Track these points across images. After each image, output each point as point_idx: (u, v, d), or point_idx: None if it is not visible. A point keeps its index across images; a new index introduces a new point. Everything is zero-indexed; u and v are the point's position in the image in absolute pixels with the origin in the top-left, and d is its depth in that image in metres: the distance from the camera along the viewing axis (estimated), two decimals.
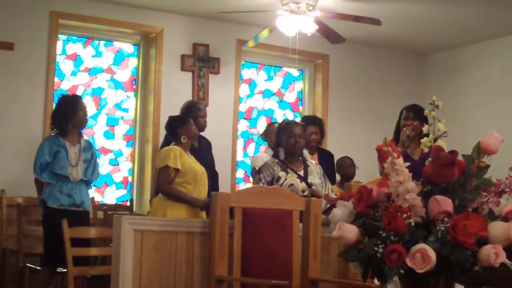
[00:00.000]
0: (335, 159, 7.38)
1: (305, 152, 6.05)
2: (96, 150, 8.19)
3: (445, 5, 7.81)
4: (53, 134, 6.25)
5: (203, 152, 6.60)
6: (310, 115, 8.44)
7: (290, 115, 9.33)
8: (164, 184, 5.90)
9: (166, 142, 6.40)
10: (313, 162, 5.81)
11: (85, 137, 6.57)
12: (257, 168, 6.64)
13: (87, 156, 6.24)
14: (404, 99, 7.42)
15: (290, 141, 5.57)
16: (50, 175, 6.09)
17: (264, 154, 7.01)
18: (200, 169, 5.99)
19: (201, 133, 6.98)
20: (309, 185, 5.51)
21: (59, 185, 6.08)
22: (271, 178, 5.50)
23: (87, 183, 6.31)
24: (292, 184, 5.43)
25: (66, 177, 6.08)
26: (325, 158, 6.63)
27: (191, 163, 5.95)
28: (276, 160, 5.62)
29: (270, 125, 7.26)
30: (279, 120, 8.60)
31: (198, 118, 6.87)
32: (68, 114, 6.17)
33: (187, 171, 5.88)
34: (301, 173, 5.57)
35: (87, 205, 6.26)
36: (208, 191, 6.06)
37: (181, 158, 5.87)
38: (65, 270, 5.98)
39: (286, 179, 5.48)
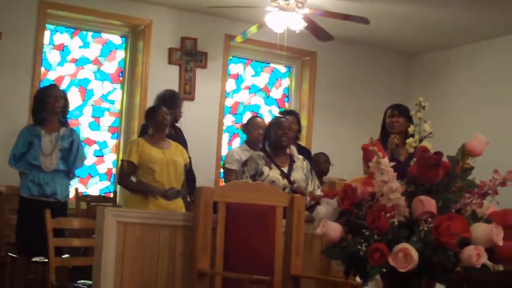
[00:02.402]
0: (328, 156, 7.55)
1: (293, 147, 6.08)
2: (81, 141, 8.20)
3: (433, 6, 7.84)
4: (31, 124, 6.32)
5: (178, 140, 6.62)
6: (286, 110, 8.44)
7: (276, 111, 9.32)
8: (121, 177, 6.16)
9: (140, 133, 6.61)
10: (300, 157, 5.81)
11: (69, 126, 6.57)
12: (226, 165, 6.73)
13: (63, 145, 6.25)
14: (390, 98, 7.44)
15: (278, 133, 5.59)
16: (25, 164, 6.17)
17: (236, 149, 7.06)
18: (165, 158, 6.03)
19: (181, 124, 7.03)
20: (291, 182, 5.52)
21: (32, 175, 6.15)
22: (254, 172, 5.52)
23: (67, 173, 6.32)
24: (273, 181, 5.43)
25: (39, 166, 6.11)
26: (303, 155, 6.65)
27: (151, 154, 5.99)
28: (262, 154, 5.63)
29: (251, 119, 7.29)
30: (263, 115, 8.66)
31: (177, 108, 6.88)
32: (40, 103, 6.27)
33: (144, 163, 5.97)
34: (285, 169, 5.58)
35: (61, 195, 6.25)
36: (188, 178, 6.35)
37: (138, 150, 5.98)
38: (42, 260, 6.04)
39: (268, 175, 5.49)
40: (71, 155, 6.29)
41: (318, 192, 5.55)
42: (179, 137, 6.90)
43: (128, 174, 6.04)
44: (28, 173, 6.14)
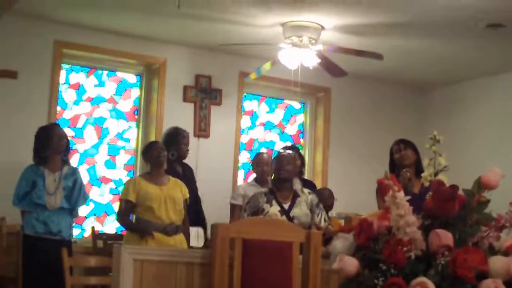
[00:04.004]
0: (332, 191, 7.55)
1: (296, 181, 6.08)
2: (97, 179, 8.25)
3: (446, 41, 7.86)
4: (33, 163, 6.35)
5: (186, 178, 6.65)
6: (287, 145, 8.46)
7: (278, 147, 9.30)
8: (118, 216, 6.24)
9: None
10: (306, 191, 5.80)
11: (71, 164, 6.65)
12: (231, 200, 6.80)
13: (67, 183, 6.30)
14: (404, 133, 7.44)
15: (276, 167, 5.64)
16: (29, 203, 6.22)
17: (243, 185, 7.12)
18: (162, 194, 6.07)
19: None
20: (290, 218, 5.51)
21: (37, 213, 6.19)
22: (255, 209, 5.55)
23: (71, 211, 6.36)
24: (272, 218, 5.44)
25: (43, 205, 6.15)
26: (307, 188, 6.67)
27: (148, 190, 6.05)
28: (265, 191, 5.67)
29: (256, 155, 7.33)
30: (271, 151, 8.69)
31: (181, 145, 6.95)
32: (43, 142, 6.32)
33: (142, 200, 6.04)
34: (287, 205, 5.60)
35: (66, 234, 6.28)
36: (191, 216, 6.47)
37: (136, 188, 6.06)
38: None
39: (268, 212, 5.50)
40: (73, 194, 6.34)
41: (323, 225, 5.57)
42: (186, 174, 6.94)
43: (125, 213, 6.13)
44: (32, 212, 6.18)
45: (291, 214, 5.55)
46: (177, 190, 6.19)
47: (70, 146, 6.58)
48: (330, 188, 7.89)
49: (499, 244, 2.72)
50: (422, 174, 2.92)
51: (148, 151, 6.26)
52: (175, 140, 6.93)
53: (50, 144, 6.29)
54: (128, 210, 6.11)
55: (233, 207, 6.87)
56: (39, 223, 6.15)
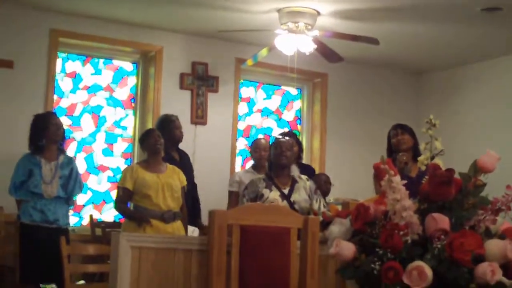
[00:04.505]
0: (329, 177, 7.58)
1: (294, 168, 6.08)
2: (95, 167, 8.25)
3: (443, 25, 7.85)
4: (29, 152, 6.34)
5: (183, 165, 6.66)
6: (285, 131, 8.45)
7: (275, 134, 9.30)
8: (116, 204, 6.24)
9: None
10: (303, 177, 5.80)
11: (67, 153, 6.67)
12: (228, 188, 6.81)
13: (64, 172, 6.32)
14: (401, 118, 7.44)
15: (276, 153, 5.63)
16: (25, 193, 6.22)
17: (239, 172, 7.14)
18: (160, 181, 6.07)
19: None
20: (291, 203, 5.52)
21: (34, 202, 6.20)
22: (254, 195, 5.53)
23: (67, 200, 6.36)
24: (272, 203, 5.44)
25: (40, 194, 6.15)
26: (307, 173, 6.66)
27: (145, 178, 6.05)
28: (263, 177, 5.66)
29: (254, 141, 7.33)
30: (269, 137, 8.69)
31: (173, 130, 6.97)
32: (40, 130, 6.31)
33: (139, 188, 6.05)
34: (286, 190, 5.58)
35: (63, 222, 6.31)
36: (188, 203, 6.49)
37: (133, 176, 6.07)
38: (48, 286, 6.06)
39: (268, 197, 5.50)
40: (70, 183, 6.34)
41: (322, 211, 5.57)
42: (183, 162, 6.94)
43: (123, 201, 6.14)
44: (29, 200, 6.18)
45: (291, 199, 5.55)
46: (175, 177, 6.19)
47: (66, 135, 6.58)
48: (326, 174, 7.89)
49: (495, 227, 2.72)
50: (418, 158, 2.92)
51: (145, 139, 6.26)
52: (167, 127, 6.93)
53: (47, 134, 6.28)
54: (125, 197, 6.11)
55: (229, 194, 6.88)
56: (36, 211, 6.16)
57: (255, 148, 7.09)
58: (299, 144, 7.35)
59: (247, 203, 5.44)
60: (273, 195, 5.51)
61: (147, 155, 6.24)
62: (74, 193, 6.43)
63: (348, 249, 2.69)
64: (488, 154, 2.83)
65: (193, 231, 6.59)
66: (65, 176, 6.31)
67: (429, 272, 2.51)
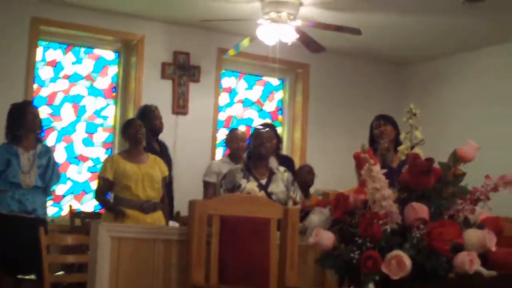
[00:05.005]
0: (312, 168, 7.57)
1: (272, 160, 6.07)
2: (75, 157, 8.21)
3: (425, 16, 7.85)
4: (6, 141, 6.29)
5: (162, 156, 6.63)
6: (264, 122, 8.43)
7: (255, 124, 9.28)
8: (96, 194, 6.28)
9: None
10: (281, 169, 5.80)
11: (45, 142, 6.65)
12: (204, 178, 6.78)
13: (41, 162, 6.27)
14: (383, 109, 7.44)
15: (256, 143, 5.61)
16: (3, 182, 6.16)
17: (216, 162, 7.11)
18: (140, 172, 6.06)
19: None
20: (269, 194, 5.51)
21: (12, 192, 6.14)
22: (232, 185, 5.52)
23: (45, 190, 6.32)
24: (249, 193, 5.43)
25: (18, 184, 6.11)
26: (285, 164, 6.65)
27: (125, 169, 6.04)
28: (241, 168, 5.65)
29: (231, 131, 7.31)
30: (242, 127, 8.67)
31: (153, 120, 6.94)
32: (17, 120, 6.25)
33: (119, 178, 6.04)
34: (264, 181, 5.58)
35: (41, 212, 6.27)
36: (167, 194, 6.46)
37: (113, 166, 6.07)
38: (27, 277, 6.03)
39: (245, 187, 5.48)
40: (47, 172, 6.30)
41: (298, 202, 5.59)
42: (163, 153, 6.92)
43: (103, 191, 6.14)
44: (8, 190, 6.13)
45: (268, 190, 5.54)
46: (156, 168, 6.17)
47: (45, 124, 6.54)
48: (310, 165, 7.90)
49: (474, 217, 2.73)
50: (399, 148, 2.92)
51: (127, 129, 6.23)
52: (147, 117, 6.89)
53: (24, 123, 6.23)
54: (105, 188, 6.10)
55: (206, 184, 6.82)
56: (14, 201, 6.11)
57: (232, 138, 7.07)
58: (278, 136, 7.32)
59: (226, 194, 5.43)
60: (251, 185, 5.50)
61: (129, 145, 6.21)
62: (51, 183, 6.38)
63: (327, 238, 2.68)
64: (468, 144, 2.82)
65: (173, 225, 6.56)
66: (43, 165, 6.26)
67: (408, 261, 2.50)
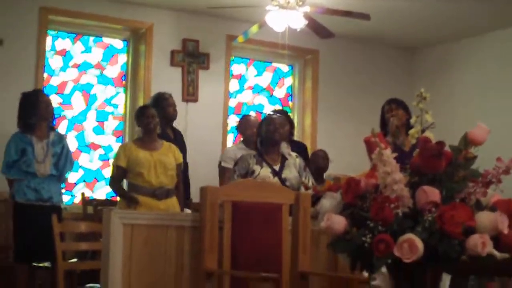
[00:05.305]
0: (327, 153, 7.58)
1: (284, 145, 6.08)
2: (86, 145, 8.23)
3: (434, 0, 7.82)
4: (19, 131, 6.30)
5: (177, 144, 6.64)
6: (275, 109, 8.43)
7: (267, 111, 9.27)
8: (110, 182, 6.31)
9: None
10: (293, 154, 5.79)
11: (57, 130, 6.67)
12: (221, 164, 6.78)
13: (56, 150, 6.30)
14: (393, 93, 7.39)
15: (269, 129, 5.59)
16: (18, 172, 6.19)
17: (232, 148, 7.12)
18: (152, 159, 6.08)
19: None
20: (282, 180, 5.51)
21: (27, 181, 6.17)
22: (245, 171, 5.52)
23: (59, 178, 6.35)
24: (264, 179, 5.43)
25: (33, 173, 6.13)
26: (298, 150, 6.65)
27: (138, 156, 6.07)
28: (253, 153, 5.64)
29: (244, 118, 7.31)
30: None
31: (166, 108, 6.95)
32: (30, 109, 6.27)
33: (132, 166, 6.08)
34: (277, 167, 5.58)
35: (56, 200, 6.31)
36: (182, 182, 6.49)
37: (126, 153, 6.10)
38: (41, 264, 6.07)
39: (259, 173, 5.49)
40: (61, 160, 6.32)
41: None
42: (177, 140, 6.93)
43: (117, 179, 6.18)
44: (23, 179, 6.16)
45: (282, 176, 5.54)
46: (169, 155, 6.18)
47: (56, 113, 6.56)
48: (324, 150, 7.90)
49: (486, 199, 2.73)
50: (409, 131, 2.92)
51: (139, 116, 6.23)
52: (160, 104, 6.90)
53: (37, 111, 6.24)
54: (119, 175, 6.14)
55: (223, 170, 6.83)
56: (30, 190, 6.15)
57: (246, 124, 7.08)
58: (291, 122, 7.34)
59: (238, 179, 5.44)
60: (264, 171, 5.50)
61: (142, 132, 6.23)
62: (65, 170, 6.42)
63: (339, 222, 2.69)
64: (479, 127, 2.82)
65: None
66: (57, 154, 6.29)
67: (420, 244, 2.51)
